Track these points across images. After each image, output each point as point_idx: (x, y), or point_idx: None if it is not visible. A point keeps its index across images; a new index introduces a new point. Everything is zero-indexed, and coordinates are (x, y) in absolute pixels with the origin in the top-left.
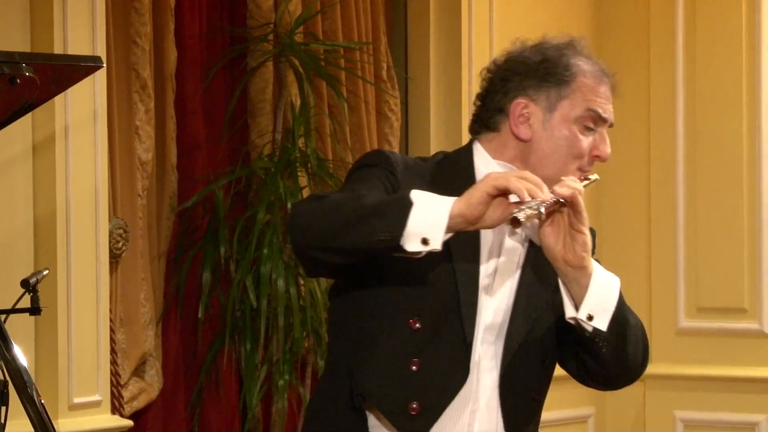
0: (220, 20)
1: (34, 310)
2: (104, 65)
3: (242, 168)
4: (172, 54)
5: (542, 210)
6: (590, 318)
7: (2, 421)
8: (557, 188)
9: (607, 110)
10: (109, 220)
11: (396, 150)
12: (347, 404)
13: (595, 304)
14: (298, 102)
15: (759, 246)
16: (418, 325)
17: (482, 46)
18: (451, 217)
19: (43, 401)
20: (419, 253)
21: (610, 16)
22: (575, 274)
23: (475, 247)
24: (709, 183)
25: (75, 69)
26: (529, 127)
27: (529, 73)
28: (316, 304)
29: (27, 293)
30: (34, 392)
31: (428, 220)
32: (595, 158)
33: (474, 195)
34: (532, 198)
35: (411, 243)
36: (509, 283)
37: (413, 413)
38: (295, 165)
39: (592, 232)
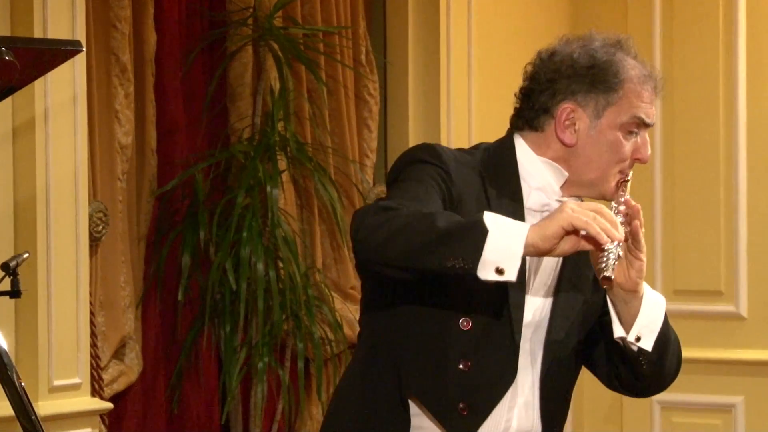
0: (199, 4)
1: (14, 293)
2: (84, 49)
3: (222, 152)
4: (151, 38)
5: (620, 253)
6: (638, 339)
7: None
8: (633, 224)
9: (650, 115)
10: (89, 204)
11: (374, 134)
12: (392, 402)
13: (644, 326)
14: (278, 86)
15: (735, 229)
16: (468, 325)
17: (461, 30)
18: (525, 247)
19: (23, 383)
20: (495, 282)
21: (588, 8)
22: (627, 296)
23: None
24: (686, 167)
25: (55, 53)
26: (574, 132)
27: (577, 78)
28: (295, 288)
29: (7, 276)
30: (15, 374)
31: (503, 250)
32: (636, 161)
33: (550, 228)
34: (611, 239)
35: (486, 272)
36: (549, 282)
37: (462, 413)
38: (274, 149)
39: None
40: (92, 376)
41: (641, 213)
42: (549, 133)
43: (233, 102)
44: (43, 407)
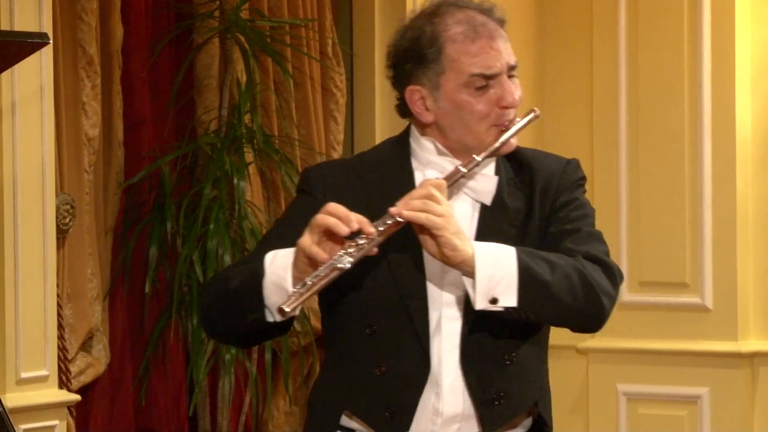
0: None
1: None
2: (51, 41)
3: (188, 144)
4: (118, 30)
5: (345, 264)
6: (494, 301)
7: None
8: (391, 212)
9: (493, 64)
10: (56, 196)
11: (341, 126)
12: (335, 417)
13: (492, 287)
14: (244, 78)
15: (700, 221)
16: (372, 330)
17: None
18: (295, 279)
19: None
20: (286, 317)
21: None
22: (459, 269)
23: (414, 234)
24: (651, 158)
25: (21, 45)
26: (428, 110)
27: (406, 60)
28: None
29: None
30: None
31: (278, 290)
32: (504, 109)
33: (297, 262)
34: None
35: (276, 316)
36: None
37: (389, 417)
38: (241, 141)
39: (570, 163)
40: (59, 368)
41: (410, 207)
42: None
43: (200, 94)
44: (11, 399)
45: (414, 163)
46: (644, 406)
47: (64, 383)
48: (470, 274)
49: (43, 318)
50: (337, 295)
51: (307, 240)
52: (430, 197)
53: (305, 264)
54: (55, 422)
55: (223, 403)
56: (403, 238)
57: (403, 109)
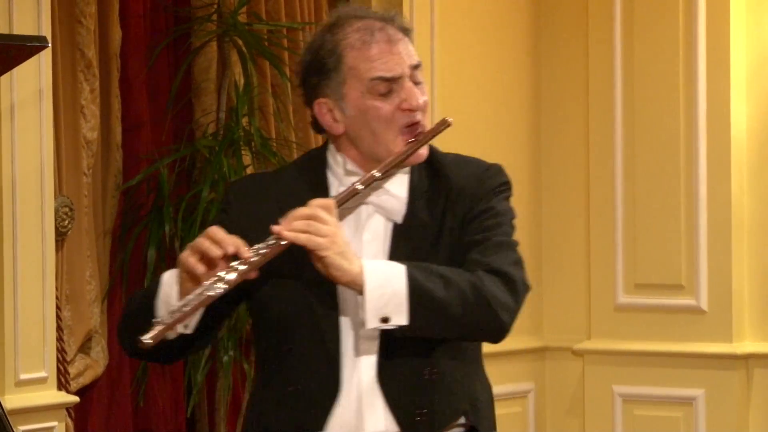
0: (163, 0)
1: None
2: (49, 45)
3: (186, 147)
4: (116, 34)
5: (212, 293)
6: (386, 320)
7: None
8: (273, 230)
9: (392, 67)
10: (55, 198)
11: None
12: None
13: (381, 307)
14: (242, 81)
15: (696, 223)
16: (288, 348)
17: (424, 23)
18: (180, 296)
19: None
20: (185, 332)
21: (549, 6)
22: (352, 289)
23: None
24: (646, 161)
25: (20, 48)
26: (337, 121)
27: (310, 75)
28: None
29: None
30: None
31: (165, 306)
32: (408, 111)
33: (180, 278)
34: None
35: (151, 337)
36: None
37: None
38: (239, 144)
39: (489, 169)
40: (58, 369)
41: (291, 228)
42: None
43: (198, 97)
44: (10, 401)
45: (330, 178)
46: (640, 408)
47: (62, 385)
48: (360, 293)
49: (42, 320)
50: (260, 314)
51: (185, 254)
52: (313, 217)
53: (186, 279)
54: (54, 423)
55: (221, 405)
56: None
57: (316, 124)
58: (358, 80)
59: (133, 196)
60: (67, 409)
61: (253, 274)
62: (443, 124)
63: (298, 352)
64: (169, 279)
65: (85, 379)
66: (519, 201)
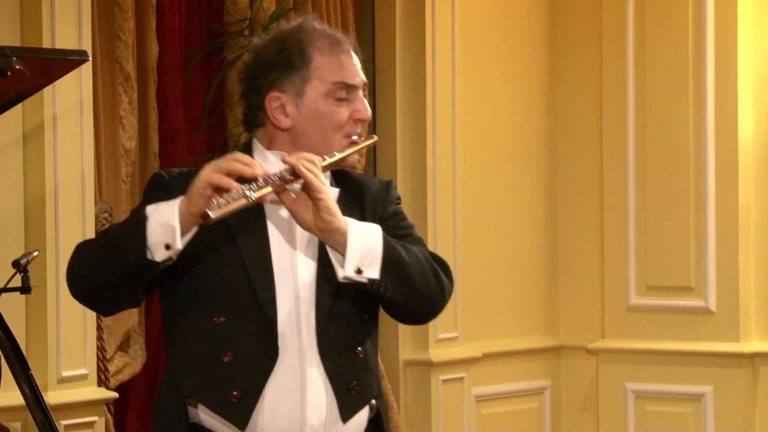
0: (198, 16)
1: (25, 289)
2: (90, 59)
3: (220, 155)
4: (153, 48)
5: (252, 196)
6: (359, 272)
7: None
8: (286, 160)
9: (353, 77)
10: (95, 204)
11: None
12: (180, 408)
13: (360, 258)
14: None
15: (704, 228)
16: (222, 319)
17: (445, 40)
18: (181, 216)
19: (33, 374)
20: (170, 258)
21: (566, 14)
22: (332, 237)
23: (263, 229)
24: (657, 169)
25: (62, 62)
26: (287, 116)
27: (271, 68)
28: None
29: (18, 273)
30: (25, 366)
31: (162, 227)
32: (358, 121)
33: (192, 192)
34: (244, 174)
35: (157, 253)
36: (313, 252)
37: (234, 401)
38: None
39: (390, 182)
40: (98, 367)
41: (302, 163)
42: (269, 125)
43: (231, 108)
44: (53, 397)
45: None
46: (651, 404)
47: (102, 381)
48: (340, 243)
49: (83, 320)
50: (189, 290)
51: (209, 171)
52: (315, 164)
53: (201, 195)
54: (94, 418)
55: None
56: (249, 230)
57: (253, 120)
58: (322, 81)
59: None
60: (107, 405)
61: (267, 199)
62: (374, 141)
63: (235, 322)
64: (164, 207)
65: (123, 376)
66: (535, 207)
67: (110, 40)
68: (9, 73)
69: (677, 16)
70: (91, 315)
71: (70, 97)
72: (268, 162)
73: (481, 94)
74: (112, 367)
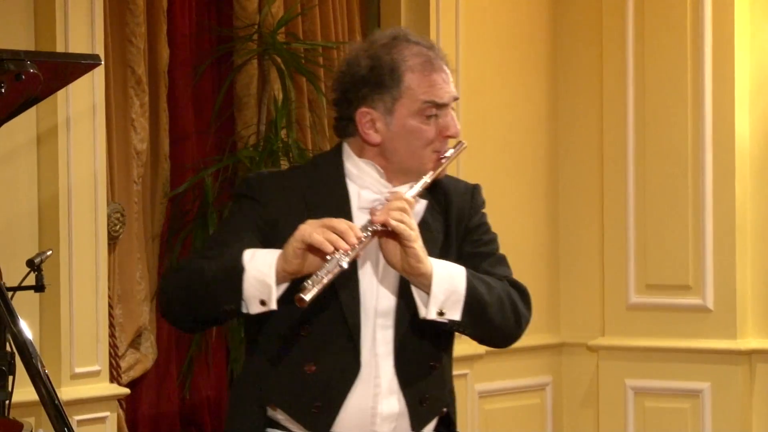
0: (208, 21)
1: (39, 287)
2: (102, 62)
3: (229, 157)
4: (164, 52)
5: (344, 264)
6: (441, 314)
7: (10, 389)
8: (376, 220)
9: (443, 95)
10: (107, 205)
11: None
12: (259, 409)
13: (443, 300)
14: (281, 96)
15: (703, 227)
16: (307, 333)
17: (449, 43)
18: (277, 274)
19: (47, 371)
20: (265, 312)
21: (567, 17)
22: (417, 280)
23: None
24: (656, 170)
25: (75, 66)
26: (376, 132)
27: (363, 84)
28: None
29: (32, 272)
30: (39, 363)
31: (259, 283)
32: (446, 137)
33: (287, 251)
34: (336, 248)
35: (252, 307)
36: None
37: (315, 411)
38: (277, 154)
39: (476, 187)
40: (110, 363)
41: (392, 217)
42: (359, 137)
43: (240, 111)
44: (66, 393)
45: (348, 183)
46: (650, 400)
47: (114, 377)
48: (425, 286)
49: (95, 318)
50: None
51: (308, 234)
52: (406, 210)
53: (297, 255)
54: (107, 414)
55: None
56: None
57: (345, 129)
58: (412, 100)
59: (179, 203)
60: (119, 401)
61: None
62: (463, 147)
63: (320, 335)
64: (262, 259)
65: (135, 373)
66: (537, 207)
67: (122, 45)
68: (24, 77)
69: (676, 17)
70: (103, 313)
71: (83, 100)
72: (359, 169)
73: (483, 94)
74: (123, 364)
